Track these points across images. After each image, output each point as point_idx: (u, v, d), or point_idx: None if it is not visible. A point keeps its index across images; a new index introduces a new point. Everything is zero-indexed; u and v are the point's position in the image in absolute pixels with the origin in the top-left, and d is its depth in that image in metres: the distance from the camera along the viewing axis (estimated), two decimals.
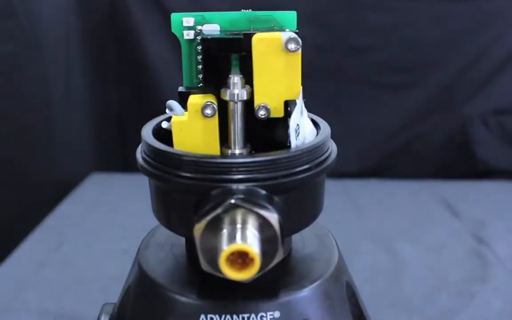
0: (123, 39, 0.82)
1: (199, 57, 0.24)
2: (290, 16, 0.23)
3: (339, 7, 0.80)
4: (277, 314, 0.21)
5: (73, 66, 0.79)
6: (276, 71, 0.22)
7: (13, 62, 0.66)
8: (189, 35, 0.24)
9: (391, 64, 0.82)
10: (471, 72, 0.82)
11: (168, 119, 0.24)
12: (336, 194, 0.76)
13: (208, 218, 0.19)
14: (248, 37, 0.22)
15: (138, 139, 0.24)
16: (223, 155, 0.23)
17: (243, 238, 0.18)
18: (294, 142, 0.21)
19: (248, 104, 0.22)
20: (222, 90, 0.22)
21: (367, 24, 0.81)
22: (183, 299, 0.21)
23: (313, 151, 0.21)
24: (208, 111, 0.22)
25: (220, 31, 0.24)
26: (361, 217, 0.71)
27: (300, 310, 0.21)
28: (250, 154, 0.23)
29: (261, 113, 0.22)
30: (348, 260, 0.26)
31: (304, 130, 0.22)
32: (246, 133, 0.23)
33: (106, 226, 0.67)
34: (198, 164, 0.20)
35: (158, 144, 0.22)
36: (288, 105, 0.22)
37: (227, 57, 0.23)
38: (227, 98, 0.22)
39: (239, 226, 0.18)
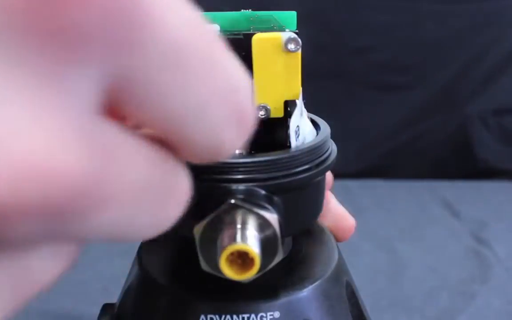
0: None
1: None
2: (290, 16, 0.23)
3: (339, 7, 0.80)
4: (277, 314, 0.21)
5: None
6: (276, 71, 0.22)
7: None
8: None
9: (391, 64, 0.82)
10: (472, 72, 0.82)
11: None
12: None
13: (208, 218, 0.19)
14: (248, 37, 0.22)
15: None
16: None
17: (243, 238, 0.18)
18: (294, 143, 0.21)
19: None
20: None
21: (368, 24, 0.81)
22: (183, 299, 0.21)
23: (313, 151, 0.21)
24: None
25: (220, 31, 0.24)
26: (361, 217, 0.70)
27: (300, 310, 0.21)
28: (249, 154, 0.23)
29: (261, 113, 0.22)
30: (348, 260, 0.26)
31: (304, 130, 0.22)
32: None
33: None
34: (198, 164, 0.20)
35: None
36: (288, 105, 0.22)
37: None
38: None
39: (239, 226, 0.18)
